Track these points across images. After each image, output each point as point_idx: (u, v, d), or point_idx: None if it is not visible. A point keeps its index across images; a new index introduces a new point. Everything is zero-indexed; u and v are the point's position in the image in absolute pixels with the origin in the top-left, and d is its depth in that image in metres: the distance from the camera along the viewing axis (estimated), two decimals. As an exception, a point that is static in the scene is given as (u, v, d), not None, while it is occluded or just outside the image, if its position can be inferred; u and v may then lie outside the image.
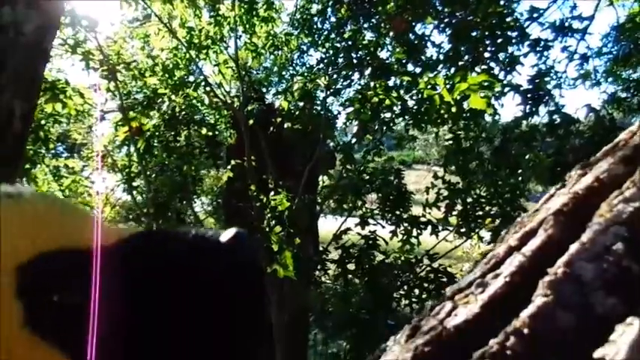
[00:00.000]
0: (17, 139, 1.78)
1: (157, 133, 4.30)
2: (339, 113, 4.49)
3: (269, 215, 3.69)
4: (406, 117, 3.59)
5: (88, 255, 0.37)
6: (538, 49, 3.69)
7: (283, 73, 5.71)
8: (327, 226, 4.90)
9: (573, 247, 0.51)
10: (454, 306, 0.55)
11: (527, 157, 4.10)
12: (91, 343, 0.33)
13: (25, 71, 1.73)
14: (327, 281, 5.21)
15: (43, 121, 3.54)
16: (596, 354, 0.42)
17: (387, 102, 3.36)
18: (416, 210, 4.36)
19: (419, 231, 4.20)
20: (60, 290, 0.35)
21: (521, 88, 3.64)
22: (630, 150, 0.60)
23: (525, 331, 0.46)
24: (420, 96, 3.17)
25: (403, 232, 4.20)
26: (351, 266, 4.18)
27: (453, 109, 2.99)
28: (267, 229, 3.51)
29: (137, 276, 0.39)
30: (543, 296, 0.48)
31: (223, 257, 0.42)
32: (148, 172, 4.49)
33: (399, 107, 3.50)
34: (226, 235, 0.42)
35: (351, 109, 3.75)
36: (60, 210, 0.41)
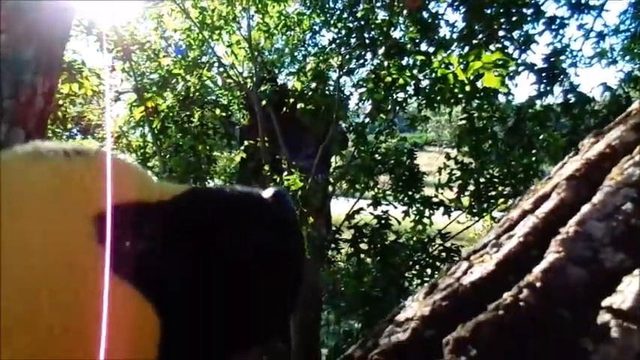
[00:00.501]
0: (40, 116, 1.83)
1: (170, 114, 4.35)
2: (352, 94, 4.50)
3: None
4: (419, 97, 3.58)
5: (154, 207, 0.42)
6: (553, 27, 3.64)
7: (295, 54, 5.71)
8: (340, 208, 4.94)
9: (585, 208, 0.54)
10: (470, 265, 0.58)
11: (541, 137, 4.08)
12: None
13: (48, 49, 1.77)
14: (340, 262, 5.29)
15: (60, 101, 3.60)
16: (604, 303, 0.45)
17: (401, 81, 3.36)
18: (428, 192, 4.38)
19: (431, 211, 4.22)
20: (133, 238, 0.40)
21: (536, 67, 3.61)
22: (641, 117, 0.62)
23: (538, 284, 0.49)
24: (433, 75, 3.16)
25: (415, 212, 4.23)
26: (364, 246, 4.22)
27: (467, 88, 2.98)
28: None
29: (189, 229, 0.43)
30: (555, 253, 0.51)
31: (266, 213, 0.46)
32: (163, 153, 4.55)
33: (413, 87, 3.49)
34: (268, 192, 0.46)
35: (364, 89, 3.75)
36: (127, 166, 0.45)
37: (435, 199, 4.22)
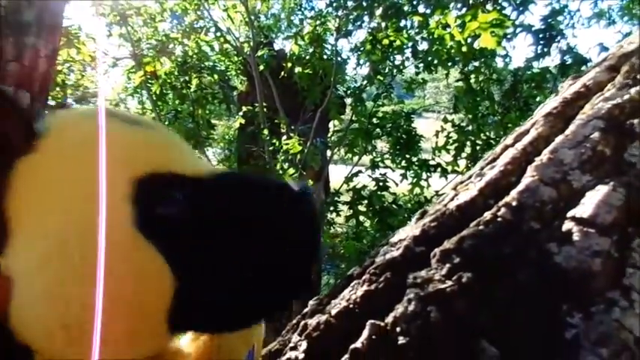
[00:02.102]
0: (44, 79, 1.87)
1: (169, 81, 4.36)
2: (349, 58, 4.49)
3: (282, 158, 3.79)
4: (417, 58, 3.60)
5: (188, 180, 0.47)
6: (552, -14, 3.62)
7: (292, 18, 5.66)
8: (339, 175, 5.00)
9: (558, 139, 0.61)
10: (456, 193, 0.65)
11: (537, 99, 4.10)
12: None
13: (48, 11, 1.79)
14: (339, 227, 5.38)
15: (59, 67, 3.61)
16: (569, 214, 0.52)
17: (398, 43, 3.37)
18: (426, 157, 4.42)
19: (428, 174, 4.28)
20: (164, 204, 0.44)
21: (534, 29, 3.61)
22: (615, 59, 0.68)
23: (514, 203, 0.56)
24: (430, 37, 3.17)
25: (413, 175, 4.29)
26: (362, 208, 4.30)
27: (464, 49, 3.00)
28: (280, 172, 3.62)
29: (217, 206, 0.47)
30: (530, 177, 0.58)
31: (295, 203, 0.50)
32: (162, 120, 4.58)
33: (410, 49, 3.51)
34: (297, 185, 0.51)
35: (361, 52, 3.76)
36: (171, 139, 0.51)
37: (432, 162, 4.27)
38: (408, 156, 4.36)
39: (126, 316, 0.42)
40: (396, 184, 4.27)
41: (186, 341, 0.57)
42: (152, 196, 0.44)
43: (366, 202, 4.23)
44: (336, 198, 4.43)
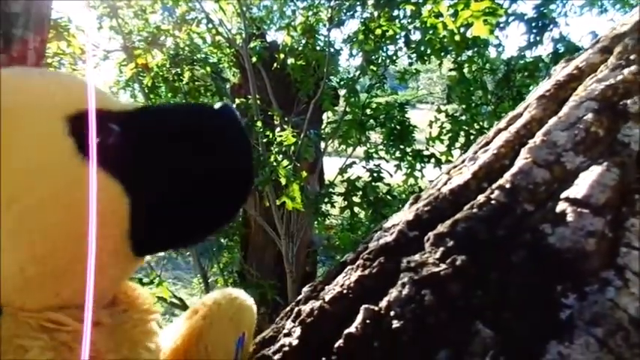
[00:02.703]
0: (33, 72, 1.85)
1: (160, 74, 4.32)
2: (342, 49, 4.47)
3: (275, 150, 3.77)
4: (409, 48, 3.58)
5: (119, 113, 0.52)
6: (544, -26, 3.60)
7: (284, 9, 5.61)
8: (333, 168, 4.98)
9: (551, 121, 0.60)
10: (449, 178, 0.65)
11: (530, 87, 4.10)
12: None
13: (36, 3, 1.77)
14: (334, 219, 5.38)
15: (49, 60, 3.57)
16: (563, 195, 0.52)
17: (390, 32, 3.35)
18: (420, 148, 4.41)
19: (422, 165, 4.28)
20: (102, 134, 0.48)
21: (526, 17, 3.60)
22: (608, 41, 0.67)
23: (507, 185, 0.56)
24: (423, 26, 3.15)
25: (407, 165, 4.28)
26: (357, 199, 4.30)
27: (457, 38, 2.99)
28: (274, 164, 3.60)
29: (148, 132, 0.53)
30: (524, 159, 0.57)
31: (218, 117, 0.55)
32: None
33: (403, 38, 3.49)
34: (217, 104, 0.56)
35: (354, 42, 3.74)
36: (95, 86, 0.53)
37: (426, 153, 4.27)
38: (402, 147, 4.36)
39: (86, 242, 0.44)
40: (391, 175, 4.27)
41: (180, 322, 0.58)
42: (89, 129, 0.47)
43: (360, 193, 4.23)
44: (330, 189, 4.42)
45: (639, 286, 0.46)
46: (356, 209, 4.32)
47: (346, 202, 4.21)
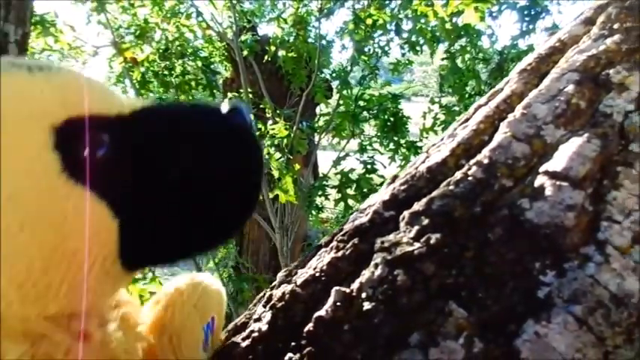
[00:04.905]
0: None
1: (150, 68, 4.27)
2: (333, 41, 4.43)
3: (268, 143, 3.75)
4: (401, 37, 3.55)
5: (113, 120, 0.45)
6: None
7: (275, 2, 5.56)
8: (327, 161, 4.95)
9: (532, 94, 0.58)
10: (427, 156, 0.62)
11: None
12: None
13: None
14: (329, 212, 5.36)
15: (37, 56, 3.52)
16: (542, 168, 0.50)
17: (381, 22, 3.32)
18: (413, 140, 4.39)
19: (416, 156, 4.25)
20: (91, 147, 0.42)
21: (518, 5, 3.57)
22: (591, 12, 0.64)
23: (485, 161, 0.53)
24: (414, 14, 3.12)
25: (401, 157, 4.26)
26: (351, 192, 4.27)
27: (448, 26, 2.96)
28: (267, 156, 3.58)
29: (146, 141, 0.46)
30: (503, 133, 0.55)
31: (223, 124, 0.49)
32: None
33: (394, 27, 3.46)
34: (225, 105, 0.50)
35: (345, 33, 3.71)
36: (90, 81, 0.47)
37: (419, 144, 4.25)
38: (395, 138, 4.33)
39: (75, 264, 0.41)
40: (384, 167, 4.25)
41: (147, 308, 0.56)
42: (75, 141, 0.42)
43: (354, 185, 4.21)
44: (324, 182, 4.40)
45: (620, 261, 0.44)
46: (350, 201, 4.30)
47: (340, 195, 4.19)
